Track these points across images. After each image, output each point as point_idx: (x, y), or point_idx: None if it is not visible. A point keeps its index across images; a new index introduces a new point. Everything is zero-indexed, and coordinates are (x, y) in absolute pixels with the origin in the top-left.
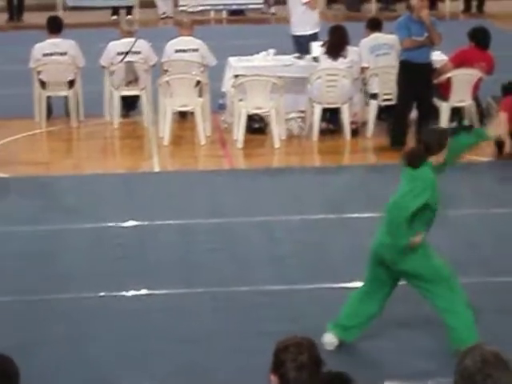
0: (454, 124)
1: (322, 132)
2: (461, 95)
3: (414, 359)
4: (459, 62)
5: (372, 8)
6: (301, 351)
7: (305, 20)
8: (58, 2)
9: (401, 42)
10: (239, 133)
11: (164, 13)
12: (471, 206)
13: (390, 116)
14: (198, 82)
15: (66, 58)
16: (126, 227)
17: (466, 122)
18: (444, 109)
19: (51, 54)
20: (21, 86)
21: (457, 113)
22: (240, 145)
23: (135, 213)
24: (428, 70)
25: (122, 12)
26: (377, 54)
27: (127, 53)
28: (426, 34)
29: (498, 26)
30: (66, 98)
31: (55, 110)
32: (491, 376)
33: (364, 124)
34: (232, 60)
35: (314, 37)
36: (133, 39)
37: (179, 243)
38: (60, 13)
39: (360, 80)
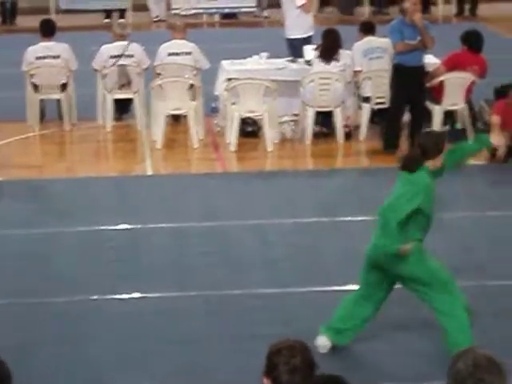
0: (447, 127)
1: (315, 135)
2: (453, 99)
3: (409, 362)
4: (452, 65)
5: (365, 11)
6: (294, 354)
7: (299, 23)
8: (51, 5)
9: (394, 46)
10: (232, 136)
11: (157, 16)
12: (464, 208)
13: (383, 119)
14: (191, 86)
15: (59, 62)
16: (119, 230)
17: (458, 126)
18: (437, 112)
19: (44, 57)
20: (13, 90)
21: (449, 116)
22: (233, 148)
23: (128, 216)
24: (421, 73)
25: (115, 15)
26: (370, 58)
27: (120, 56)
28: (418, 38)
29: (491, 30)
30: (58, 101)
31: (48, 114)
32: (483, 380)
33: (357, 127)
34: (225, 63)
35: (308, 40)
36: (125, 42)
37: (172, 246)
38: (53, 16)
39: (353, 83)
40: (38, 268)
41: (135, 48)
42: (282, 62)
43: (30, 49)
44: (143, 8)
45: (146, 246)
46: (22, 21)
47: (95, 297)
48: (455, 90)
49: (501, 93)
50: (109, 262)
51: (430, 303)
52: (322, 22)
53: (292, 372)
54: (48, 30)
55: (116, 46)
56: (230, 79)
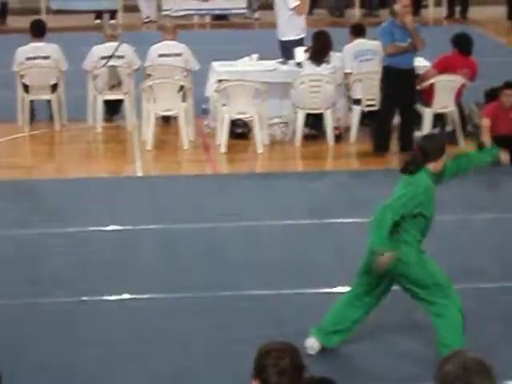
0: (437, 130)
1: (305, 137)
2: (444, 101)
3: (398, 363)
4: (442, 68)
5: (355, 14)
6: (282, 356)
7: (292, 25)
8: (42, 6)
9: (384, 48)
10: (222, 138)
11: (147, 17)
12: (455, 211)
13: (373, 122)
14: (182, 87)
15: (49, 62)
16: (109, 231)
17: (448, 128)
18: (427, 115)
19: (34, 58)
20: (4, 90)
21: (439, 119)
22: (223, 150)
23: (118, 217)
24: (411, 75)
25: (106, 16)
26: (360, 60)
27: (110, 57)
28: (409, 40)
29: (482, 32)
30: (49, 101)
31: (38, 114)
32: (472, 383)
33: (347, 129)
34: (215, 65)
35: (300, 42)
36: (116, 43)
37: (162, 248)
38: (43, 16)
39: (343, 86)
40: (27, 269)
41: (126, 49)
42: (272, 63)
43: (20, 49)
44: (134, 9)
45: (135, 248)
46: (12, 21)
47: (85, 298)
48: (445, 93)
49: (491, 95)
50: (98, 263)
51: (425, 305)
52: (312, 24)
53: (281, 374)
54: (38, 31)
55: (107, 47)
56: (220, 81)
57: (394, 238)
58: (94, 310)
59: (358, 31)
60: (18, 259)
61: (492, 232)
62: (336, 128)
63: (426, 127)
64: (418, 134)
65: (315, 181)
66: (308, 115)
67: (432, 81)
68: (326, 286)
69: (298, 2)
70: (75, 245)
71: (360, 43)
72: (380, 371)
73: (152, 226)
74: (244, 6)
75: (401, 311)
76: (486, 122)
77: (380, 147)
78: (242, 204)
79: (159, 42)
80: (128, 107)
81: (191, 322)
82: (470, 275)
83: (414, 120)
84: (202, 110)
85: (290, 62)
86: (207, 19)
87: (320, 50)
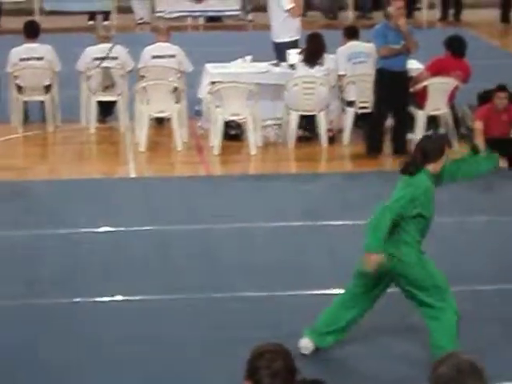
0: (430, 132)
1: (299, 139)
2: (437, 103)
3: (392, 366)
4: (435, 70)
5: (349, 16)
6: (275, 358)
7: (286, 27)
8: (36, 7)
9: (377, 50)
10: (216, 139)
11: (141, 18)
12: (452, 214)
13: (367, 124)
14: (175, 88)
15: (43, 63)
16: (102, 233)
17: (441, 131)
18: (420, 117)
19: (28, 59)
20: None
21: (432, 121)
22: (216, 151)
23: (111, 218)
24: (404, 78)
25: (99, 17)
26: (354, 62)
27: (104, 58)
28: (402, 42)
29: (475, 35)
30: (42, 102)
31: (32, 115)
32: None
33: (340, 131)
34: (209, 66)
35: (294, 44)
36: (109, 45)
37: (155, 249)
38: (37, 17)
39: (337, 88)
40: (20, 270)
41: (119, 50)
42: (265, 65)
43: (14, 50)
44: (127, 10)
45: (128, 249)
46: (5, 22)
47: (77, 299)
48: (438, 95)
49: (484, 98)
50: (91, 264)
51: (421, 307)
52: (306, 26)
53: (273, 376)
54: (32, 32)
55: (100, 48)
56: (213, 82)
57: (393, 238)
58: (87, 311)
59: (352, 33)
60: (11, 260)
61: (489, 234)
62: (329, 130)
63: (419, 129)
64: (410, 136)
65: (308, 183)
66: (301, 117)
67: (425, 83)
68: (319, 287)
69: (292, 4)
70: (68, 246)
71: (353, 45)
72: (374, 373)
73: (145, 228)
74: (237, 7)
75: (395, 314)
76: (478, 125)
77: (373, 149)
78: (235, 206)
79: (153, 43)
80: (121, 108)
81: (184, 324)
82: (467, 277)
83: (407, 122)
84: (195, 112)
85: (283, 63)
86: (201, 21)
87: (313, 52)
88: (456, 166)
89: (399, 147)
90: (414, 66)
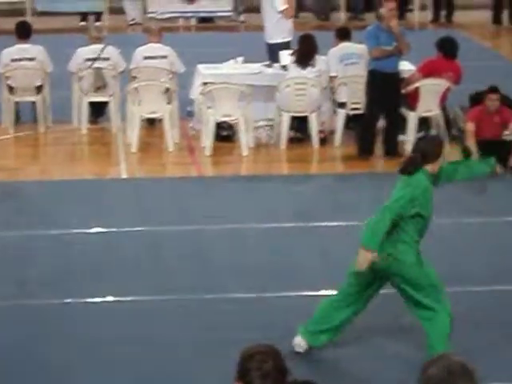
0: (422, 134)
1: (290, 140)
2: (428, 105)
3: (387, 367)
4: (427, 71)
5: (341, 17)
6: (266, 359)
7: (279, 28)
8: (27, 7)
9: (369, 52)
10: (207, 140)
11: (133, 19)
12: (444, 215)
13: (358, 125)
14: (167, 89)
15: (34, 64)
16: (93, 234)
17: (433, 132)
18: (411, 118)
19: (19, 60)
20: None
21: (424, 123)
22: (208, 152)
23: (102, 219)
24: (396, 79)
25: (91, 18)
26: (345, 64)
27: (96, 59)
28: (394, 44)
29: (467, 36)
30: (33, 103)
31: (23, 116)
32: None
33: (332, 133)
34: (201, 67)
35: (287, 45)
36: (101, 45)
37: (146, 250)
38: (29, 18)
39: (328, 89)
40: (12, 271)
41: (111, 51)
42: (257, 66)
43: (6, 51)
44: (119, 11)
45: (120, 250)
46: None
47: (69, 300)
48: (430, 97)
49: (476, 99)
50: (83, 265)
51: (415, 308)
52: (297, 27)
53: (264, 377)
54: (24, 32)
55: (92, 49)
56: (205, 83)
57: (392, 238)
58: (79, 312)
59: (344, 35)
60: (3, 261)
61: (482, 236)
62: (321, 131)
63: (411, 131)
64: (402, 138)
65: (300, 184)
66: (293, 118)
67: (417, 84)
68: (310, 289)
69: (286, 5)
70: (60, 247)
71: (345, 47)
72: (367, 374)
73: (137, 229)
74: (229, 8)
75: (388, 314)
76: (470, 127)
77: (365, 151)
78: (226, 206)
79: (144, 44)
80: (113, 109)
81: (176, 325)
82: (462, 278)
83: (399, 124)
84: (187, 113)
85: (276, 65)
86: (193, 22)
87: (305, 53)
88: (453, 167)
89: (391, 149)
90: (405, 67)
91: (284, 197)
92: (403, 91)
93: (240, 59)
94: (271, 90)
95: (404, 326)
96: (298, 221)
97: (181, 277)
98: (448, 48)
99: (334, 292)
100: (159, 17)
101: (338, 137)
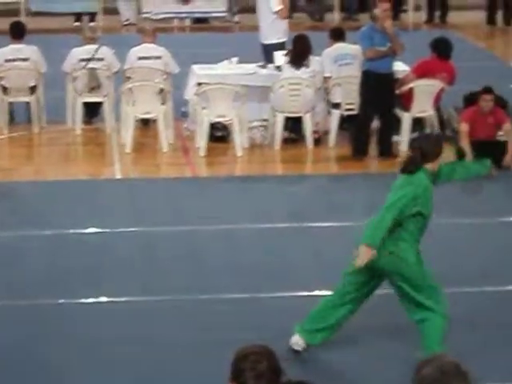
0: (416, 134)
1: (285, 141)
2: (422, 106)
3: (381, 366)
4: (421, 72)
5: (335, 18)
6: (260, 360)
7: (274, 28)
8: (22, 8)
9: (364, 52)
10: (202, 141)
11: (127, 20)
12: (437, 216)
13: (352, 126)
14: (161, 90)
15: (28, 64)
16: (88, 234)
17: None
18: (406, 119)
19: (13, 60)
20: None
21: (418, 123)
22: (202, 153)
23: (97, 220)
24: (390, 80)
25: (85, 18)
26: (339, 64)
27: (90, 59)
28: (388, 44)
29: (461, 37)
30: (28, 103)
31: (17, 116)
32: None
33: (326, 133)
34: (195, 68)
35: (282, 45)
36: (95, 46)
37: (141, 250)
38: (23, 18)
39: (323, 89)
40: (5, 271)
41: (105, 51)
42: (252, 67)
43: (0, 51)
44: (113, 11)
45: (114, 250)
46: None
47: (62, 300)
48: (424, 97)
49: (470, 100)
50: (77, 265)
51: (412, 308)
52: (292, 27)
53: (258, 378)
54: (18, 33)
55: (86, 49)
56: (200, 84)
57: (393, 236)
58: (72, 312)
59: (338, 35)
60: None
61: (477, 236)
62: (315, 132)
63: (405, 132)
64: (396, 139)
65: (294, 184)
66: (287, 119)
67: (411, 85)
68: (304, 289)
69: (281, 6)
70: (54, 247)
71: (339, 47)
72: (363, 375)
73: (131, 229)
74: (224, 9)
75: (385, 315)
76: (464, 127)
77: (359, 151)
78: (221, 207)
79: (139, 44)
80: (107, 110)
81: (170, 325)
82: (455, 279)
83: (393, 124)
84: (181, 113)
85: (270, 65)
86: (187, 22)
87: (299, 53)
88: (451, 167)
89: (385, 149)
90: (400, 68)
91: (278, 197)
92: (397, 92)
93: (234, 60)
94: (265, 91)
95: (400, 325)
96: (292, 221)
97: (175, 277)
98: (442, 49)
99: (328, 292)
100: (153, 17)
101: (332, 137)
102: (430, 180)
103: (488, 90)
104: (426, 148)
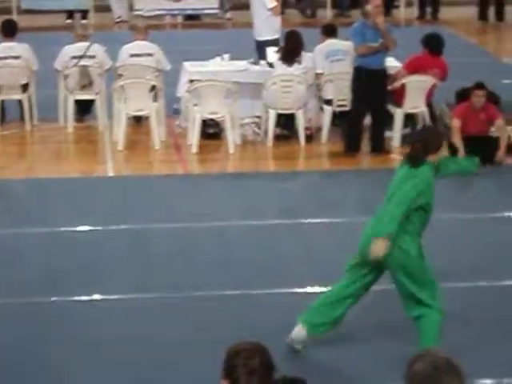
0: (408, 130)
1: (277, 137)
2: (414, 102)
3: (377, 365)
4: (413, 68)
5: (327, 14)
6: (252, 356)
7: (269, 25)
8: (13, 6)
9: (355, 48)
10: (194, 138)
11: (119, 17)
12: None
13: (345, 122)
14: (153, 87)
15: (20, 62)
16: (80, 232)
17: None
18: (398, 115)
19: (5, 58)
20: None
21: (410, 119)
22: (195, 150)
23: (89, 217)
24: (382, 76)
25: (77, 16)
26: (331, 60)
27: (82, 57)
28: (380, 40)
29: (453, 33)
30: (19, 101)
31: (9, 114)
32: (442, 382)
33: (318, 130)
34: (187, 65)
35: (276, 42)
36: (87, 43)
37: (133, 248)
38: (15, 16)
39: (315, 86)
40: None
41: (97, 49)
42: (243, 64)
43: None
44: (105, 9)
45: (107, 248)
46: None
47: (54, 298)
48: (416, 93)
49: (462, 96)
50: (69, 263)
51: (410, 303)
52: (283, 24)
53: (250, 374)
54: (9, 31)
55: (78, 47)
56: (191, 81)
57: (399, 227)
58: (65, 310)
59: (330, 31)
60: None
61: (469, 232)
62: (307, 128)
63: (397, 127)
64: (389, 135)
65: (286, 181)
66: (279, 115)
67: (403, 81)
68: (296, 285)
69: (275, 3)
70: (46, 245)
71: (331, 43)
72: (355, 375)
73: (123, 226)
74: (216, 6)
75: (380, 312)
76: (456, 123)
77: (351, 147)
78: (213, 204)
79: (131, 41)
80: (99, 107)
81: (163, 323)
82: (449, 275)
83: (385, 120)
84: (173, 110)
85: (262, 62)
86: (179, 19)
87: (291, 50)
88: (446, 162)
89: (377, 145)
90: (391, 64)
91: (270, 194)
92: (389, 88)
93: (226, 56)
94: (257, 88)
95: (397, 322)
96: (284, 218)
97: (168, 275)
98: (434, 44)
99: (321, 288)
100: (145, 14)
101: (324, 134)
102: (433, 173)
103: (480, 86)
104: (428, 140)
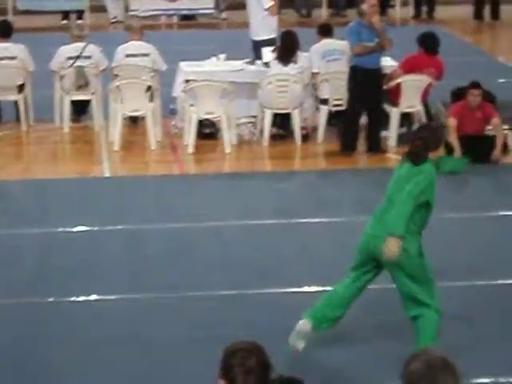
0: (404, 129)
1: (273, 137)
2: (410, 101)
3: (376, 364)
4: (409, 67)
5: (323, 13)
6: (248, 356)
7: (265, 25)
8: (9, 6)
9: (351, 48)
10: (190, 138)
11: (115, 17)
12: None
13: (341, 121)
14: (149, 87)
15: (16, 63)
16: (76, 232)
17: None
18: (394, 114)
19: (1, 59)
20: None
21: (406, 118)
22: (191, 150)
23: (85, 218)
24: (378, 75)
25: (73, 16)
26: (327, 60)
27: (78, 57)
28: (376, 40)
29: (448, 32)
30: (15, 102)
31: (5, 115)
32: (438, 380)
33: (314, 129)
34: (183, 65)
35: (272, 41)
36: (83, 44)
37: (129, 248)
38: (10, 17)
39: (311, 85)
40: None
41: (93, 49)
42: (239, 63)
43: None
44: (101, 9)
45: (103, 248)
46: None
47: (51, 299)
48: (412, 93)
49: (457, 95)
50: (66, 263)
51: (409, 303)
52: (279, 23)
53: (247, 373)
54: (5, 31)
55: (74, 48)
56: (187, 81)
57: None
58: (62, 310)
59: (326, 31)
60: None
61: (465, 231)
62: (303, 128)
63: (393, 127)
64: (385, 134)
65: (283, 181)
66: (275, 115)
67: (399, 80)
68: (293, 285)
69: (272, 2)
70: (42, 245)
71: (327, 43)
72: (356, 373)
73: (119, 227)
74: (211, 6)
75: (378, 312)
76: (452, 122)
77: (347, 147)
78: (209, 204)
79: (126, 42)
80: (95, 108)
81: (160, 323)
82: (444, 274)
83: (381, 120)
84: (169, 111)
85: (258, 62)
86: (174, 19)
87: (287, 49)
88: (442, 160)
89: (373, 145)
90: (387, 63)
91: (267, 194)
92: (385, 87)
93: (222, 56)
94: (253, 87)
95: (395, 322)
96: (280, 217)
97: (164, 275)
98: (429, 44)
99: (318, 288)
100: (141, 14)
101: (320, 133)
102: (434, 170)
103: (476, 85)
104: (428, 138)
